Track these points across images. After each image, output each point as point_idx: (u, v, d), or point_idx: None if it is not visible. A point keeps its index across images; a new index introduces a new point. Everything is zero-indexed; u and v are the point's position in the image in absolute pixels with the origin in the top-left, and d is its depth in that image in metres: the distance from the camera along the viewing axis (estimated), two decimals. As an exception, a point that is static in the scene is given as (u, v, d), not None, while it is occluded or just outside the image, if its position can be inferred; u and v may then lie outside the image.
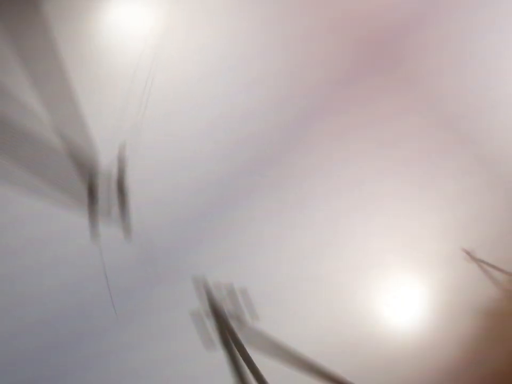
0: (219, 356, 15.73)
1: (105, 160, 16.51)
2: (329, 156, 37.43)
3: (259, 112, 32.42)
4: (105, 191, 15.13)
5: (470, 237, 36.56)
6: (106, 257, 15.61)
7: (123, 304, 17.47)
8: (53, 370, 30.08)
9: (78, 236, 16.63)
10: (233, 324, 16.16)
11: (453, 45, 34.42)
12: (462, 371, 35.33)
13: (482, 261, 35.36)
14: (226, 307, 16.48)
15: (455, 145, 37.21)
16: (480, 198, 38.08)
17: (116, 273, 17.45)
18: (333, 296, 29.07)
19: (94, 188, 14.77)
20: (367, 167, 38.35)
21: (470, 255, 35.60)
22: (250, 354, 15.33)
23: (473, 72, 34.45)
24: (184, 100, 32.85)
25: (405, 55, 36.33)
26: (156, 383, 30.11)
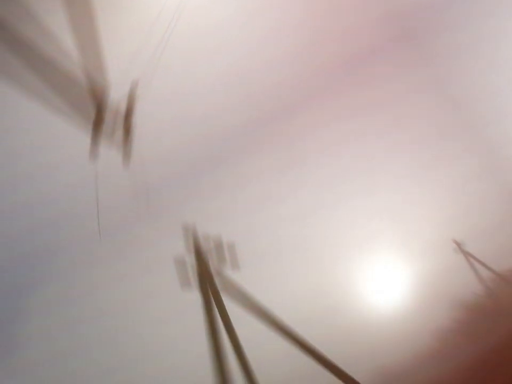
0: (194, 298, 15.96)
1: (116, 93, 16.57)
2: (336, 128, 37.37)
3: (274, 69, 32.28)
4: (113, 116, 15.24)
5: (463, 230, 36.70)
6: (101, 179, 15.76)
7: (108, 230, 17.71)
8: (27, 278, 30.59)
9: (78, 152, 16.77)
10: (213, 269, 16.35)
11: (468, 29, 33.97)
12: (431, 360, 35.82)
13: (470, 255, 35.59)
14: (211, 255, 16.64)
15: (454, 128, 37.01)
16: (481, 196, 38.12)
17: (108, 198, 17.63)
18: (315, 265, 29.34)
19: (103, 109, 14.90)
20: (373, 148, 38.36)
21: (460, 247, 35.84)
22: (223, 300, 15.58)
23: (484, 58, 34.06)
24: (202, 49, 32.71)
25: (419, 36, 35.95)
26: (129, 317, 30.69)
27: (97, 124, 15.06)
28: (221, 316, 15.19)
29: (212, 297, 15.41)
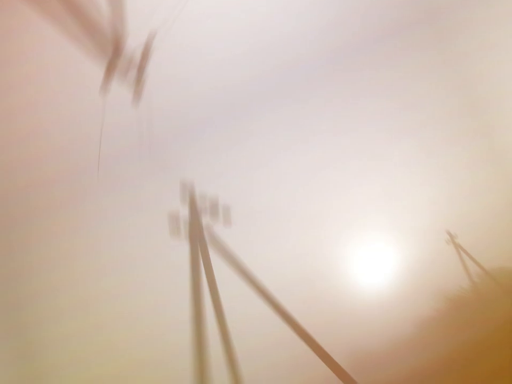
0: (181, 253, 15.98)
1: (134, 41, 16.36)
2: (342, 103, 37.19)
3: (289, 23, 31.93)
4: (128, 58, 15.06)
5: (458, 223, 36.83)
6: (108, 116, 15.63)
7: (107, 168, 17.59)
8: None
9: (89, 84, 16.60)
10: (205, 224, 16.33)
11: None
12: (409, 346, 36.20)
13: (461, 248, 35.75)
14: (205, 212, 16.61)
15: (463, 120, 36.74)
16: (482, 192, 38.18)
17: (111, 135, 17.49)
18: (306, 235, 29.40)
19: (120, 50, 14.73)
20: (380, 130, 38.24)
21: (452, 239, 35.97)
22: (209, 255, 15.60)
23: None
24: (224, 6, 32.29)
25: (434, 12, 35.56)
26: (113, 257, 30.79)
27: (113, 61, 14.92)
28: (206, 272, 15.22)
29: (200, 252, 15.42)
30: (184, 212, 16.42)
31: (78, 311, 28.88)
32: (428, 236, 33.62)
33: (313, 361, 14.73)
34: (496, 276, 38.10)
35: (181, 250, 15.52)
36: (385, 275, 38.29)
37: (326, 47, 35.52)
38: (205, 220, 16.41)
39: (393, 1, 33.51)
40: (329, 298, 33.16)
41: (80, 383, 26.47)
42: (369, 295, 37.87)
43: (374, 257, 37.57)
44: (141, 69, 14.97)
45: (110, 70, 14.48)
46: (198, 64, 30.71)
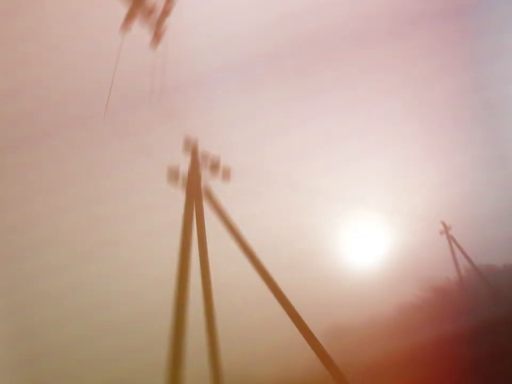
0: (177, 205, 15.82)
1: None
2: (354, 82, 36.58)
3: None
4: (153, 2, 14.58)
5: (454, 215, 36.71)
6: (123, 57, 15.20)
7: (116, 111, 17.23)
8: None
9: (109, 22, 16.08)
10: (203, 182, 16.14)
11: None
12: (388, 331, 36.47)
13: (454, 240, 35.67)
14: (205, 172, 16.37)
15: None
16: (483, 188, 37.97)
17: (125, 76, 17.09)
18: (301, 208, 29.25)
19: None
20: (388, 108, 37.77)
21: (446, 230, 35.85)
22: (203, 208, 15.47)
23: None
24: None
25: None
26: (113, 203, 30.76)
27: (137, 1, 14.52)
28: (197, 225, 15.12)
29: (194, 205, 15.28)
30: (185, 163, 16.27)
31: (75, 263, 29.01)
32: (422, 223, 33.48)
33: (291, 330, 14.76)
34: (484, 273, 38.18)
35: (177, 201, 15.39)
36: (374, 257, 38.30)
37: (345, 21, 34.78)
38: (204, 173, 16.26)
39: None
40: (315, 272, 33.17)
41: (73, 336, 26.79)
42: (356, 274, 37.94)
43: (366, 237, 37.50)
44: (165, 11, 14.53)
45: (133, 8, 14.07)
46: (222, 17, 30.02)
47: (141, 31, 14.55)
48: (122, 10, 13.91)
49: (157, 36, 14.64)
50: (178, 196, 15.45)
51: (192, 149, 15.91)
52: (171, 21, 14.33)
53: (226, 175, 16.30)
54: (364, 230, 36.23)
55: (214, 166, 16.09)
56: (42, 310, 26.82)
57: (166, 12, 14.47)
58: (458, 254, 35.64)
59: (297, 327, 14.52)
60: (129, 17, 13.98)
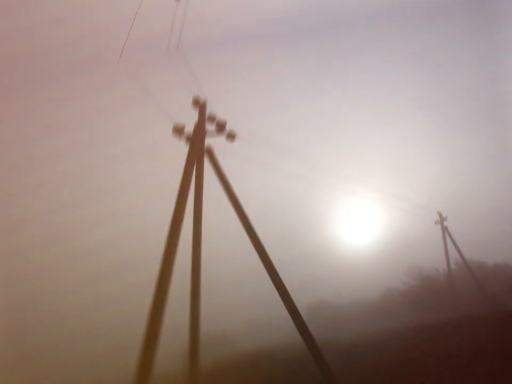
0: (179, 157, 15.68)
1: None
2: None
3: None
4: None
5: (452, 207, 36.63)
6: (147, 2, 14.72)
7: (131, 59, 16.80)
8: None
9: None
10: (207, 142, 15.99)
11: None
12: (370, 313, 36.71)
13: (448, 232, 35.63)
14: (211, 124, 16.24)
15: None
16: (484, 185, 37.84)
17: (144, 27, 16.71)
18: (300, 180, 29.07)
19: None
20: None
21: (441, 220, 35.77)
22: (204, 163, 15.39)
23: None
24: None
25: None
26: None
27: None
28: (196, 177, 15.11)
29: (196, 159, 15.21)
30: (193, 117, 16.23)
31: (78, 204, 29.00)
32: (419, 211, 33.36)
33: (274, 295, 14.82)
34: (474, 269, 38.26)
35: (180, 153, 15.34)
36: (367, 239, 38.36)
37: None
38: (210, 130, 16.24)
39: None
40: (307, 247, 33.21)
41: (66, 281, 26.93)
42: (346, 253, 38.07)
43: (360, 217, 37.48)
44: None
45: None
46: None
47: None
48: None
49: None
50: (182, 148, 15.42)
51: (201, 107, 15.85)
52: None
53: (231, 137, 16.29)
54: (359, 209, 36.17)
55: (220, 126, 16.06)
56: (34, 254, 26.95)
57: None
58: (450, 246, 35.63)
59: (281, 298, 14.55)
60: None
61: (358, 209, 36.93)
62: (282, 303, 14.31)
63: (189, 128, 15.87)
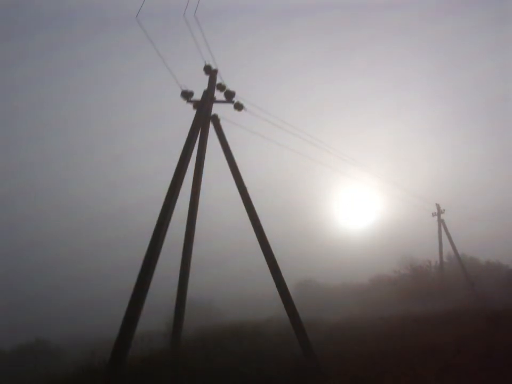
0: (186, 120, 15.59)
1: None
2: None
3: None
4: None
5: (452, 201, 36.64)
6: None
7: (148, 20, 16.38)
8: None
9: None
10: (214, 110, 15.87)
11: None
12: (358, 299, 36.93)
13: (444, 224, 35.51)
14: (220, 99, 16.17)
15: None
16: (486, 183, 37.73)
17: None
18: (303, 159, 28.83)
19: None
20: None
21: (439, 211, 35.57)
22: (209, 128, 15.29)
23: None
24: None
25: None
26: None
27: None
28: (199, 142, 15.16)
29: (201, 124, 15.24)
30: (203, 84, 16.33)
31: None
32: (417, 202, 33.25)
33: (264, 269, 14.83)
34: (465, 265, 38.24)
35: (187, 117, 15.40)
36: (363, 224, 38.42)
37: None
38: (219, 98, 16.31)
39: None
40: (304, 226, 33.28)
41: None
42: (342, 237, 38.15)
43: (359, 204, 37.52)
44: None
45: None
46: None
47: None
48: None
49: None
50: (189, 111, 15.37)
51: (211, 74, 15.96)
52: None
53: (239, 107, 16.40)
54: (358, 193, 36.15)
55: (229, 95, 16.15)
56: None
57: None
58: (445, 239, 35.50)
59: (272, 273, 14.54)
60: None
61: (357, 193, 36.83)
62: (272, 278, 14.29)
63: (199, 96, 15.81)
